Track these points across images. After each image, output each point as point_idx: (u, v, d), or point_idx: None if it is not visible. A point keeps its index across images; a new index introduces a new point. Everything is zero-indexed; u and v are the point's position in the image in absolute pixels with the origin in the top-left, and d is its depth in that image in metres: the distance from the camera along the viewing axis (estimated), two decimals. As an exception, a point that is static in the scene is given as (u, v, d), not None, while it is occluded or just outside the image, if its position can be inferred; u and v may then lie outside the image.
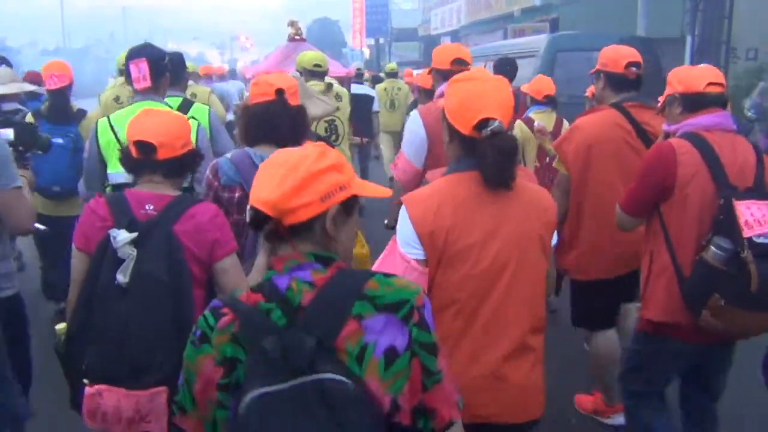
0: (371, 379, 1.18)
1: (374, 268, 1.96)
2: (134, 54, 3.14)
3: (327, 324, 1.18)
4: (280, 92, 2.45)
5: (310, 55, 5.37)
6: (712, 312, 2.30)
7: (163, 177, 2.14)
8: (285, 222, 1.23)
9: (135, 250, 1.92)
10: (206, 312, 1.26)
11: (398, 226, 1.88)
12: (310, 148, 1.29)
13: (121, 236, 1.92)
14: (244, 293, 1.26)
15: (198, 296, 2.04)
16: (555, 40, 5.78)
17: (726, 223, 2.26)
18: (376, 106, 7.93)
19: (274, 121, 2.44)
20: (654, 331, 2.58)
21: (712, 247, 2.28)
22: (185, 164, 2.20)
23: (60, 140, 4.05)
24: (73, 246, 2.12)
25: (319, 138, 3.69)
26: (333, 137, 5.37)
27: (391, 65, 11.31)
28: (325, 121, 5.34)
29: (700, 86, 2.44)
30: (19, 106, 4.36)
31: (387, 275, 1.31)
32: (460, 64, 3.22)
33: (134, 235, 1.93)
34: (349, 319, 1.19)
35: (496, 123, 1.75)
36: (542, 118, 4.78)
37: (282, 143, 2.18)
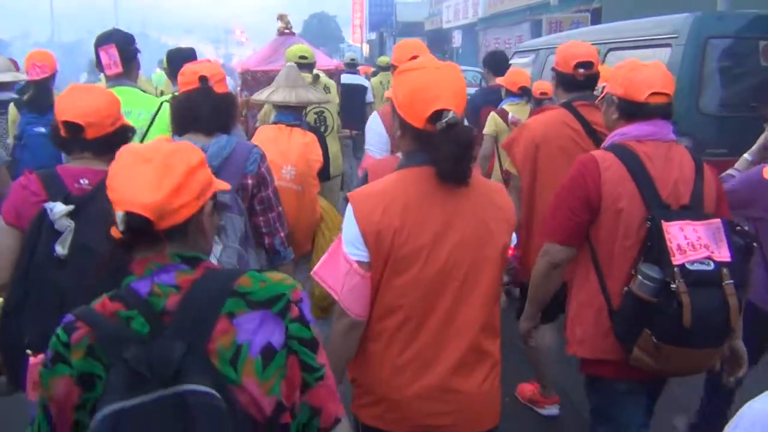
0: (249, 381, 1.16)
1: (316, 269, 1.88)
2: (103, 40, 3.17)
3: (196, 327, 1.15)
4: (203, 80, 2.47)
5: (295, 48, 5.41)
6: (644, 350, 2.06)
7: (93, 155, 2.13)
8: (162, 225, 1.18)
9: (72, 222, 1.95)
10: (58, 329, 1.20)
11: (343, 224, 1.76)
12: (167, 142, 1.28)
13: (58, 208, 1.95)
14: (98, 303, 1.22)
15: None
16: (701, 21, 4.07)
17: (654, 249, 2.03)
18: (369, 97, 7.60)
19: (197, 110, 2.46)
20: (591, 373, 2.33)
21: (640, 277, 2.04)
22: (116, 141, 2.10)
23: (42, 129, 3.91)
24: (2, 223, 2.10)
25: (310, 128, 3.58)
26: (322, 128, 5.28)
27: (384, 58, 10.94)
28: (314, 113, 5.31)
29: (641, 96, 2.16)
30: (15, 96, 4.43)
31: (261, 271, 1.30)
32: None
33: (71, 207, 1.95)
34: (219, 319, 1.17)
35: (451, 114, 1.62)
36: (517, 111, 4.71)
37: (208, 131, 2.44)
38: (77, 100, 2.11)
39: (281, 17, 8.49)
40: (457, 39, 28.48)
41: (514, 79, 4.90)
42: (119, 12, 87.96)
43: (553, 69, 3.11)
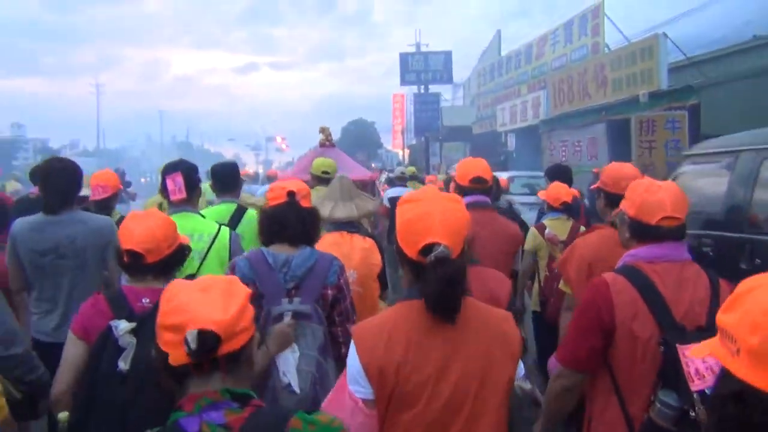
0: None
1: (323, 405, 1.86)
2: (170, 169, 3.40)
3: None
4: (291, 194, 2.69)
5: (318, 162, 5.63)
6: None
7: (153, 277, 2.30)
8: (225, 348, 1.26)
9: (135, 339, 2.05)
10: None
11: (348, 359, 1.76)
12: (221, 276, 1.45)
13: (122, 326, 2.08)
14: None
15: None
16: None
17: (671, 374, 1.94)
18: None
19: (285, 222, 2.64)
20: None
21: (657, 404, 1.96)
22: (173, 262, 2.35)
23: None
24: (70, 333, 2.24)
25: (368, 234, 3.64)
26: None
27: (411, 168, 11.19)
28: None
29: (653, 219, 2.19)
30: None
31: (311, 412, 1.32)
32: (478, 183, 3.35)
33: (133, 324, 2.07)
34: None
35: (441, 248, 1.64)
36: (556, 226, 4.76)
37: (294, 243, 2.64)
38: (135, 228, 2.30)
39: (323, 130, 8.95)
40: (512, 142, 27.15)
41: (556, 194, 4.88)
42: (164, 121, 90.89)
43: (598, 188, 3.15)
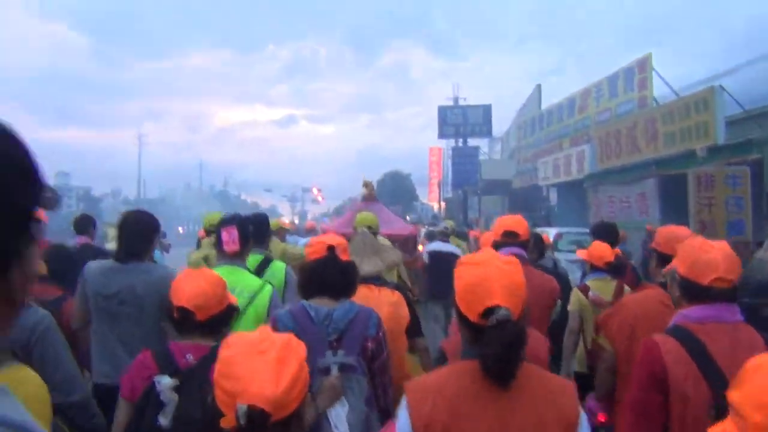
0: None
1: None
2: (227, 222, 3.60)
3: None
4: (331, 249, 2.76)
5: (361, 217, 5.66)
6: None
7: (200, 335, 2.34)
8: (275, 418, 1.28)
9: (176, 395, 2.07)
10: None
11: (398, 413, 1.76)
12: (273, 332, 1.43)
13: (165, 381, 2.10)
14: None
15: None
16: None
17: None
18: None
19: (326, 276, 2.70)
20: None
21: None
22: (221, 321, 2.39)
23: None
24: (119, 397, 2.30)
25: (397, 287, 3.68)
26: None
27: (450, 222, 10.98)
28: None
29: (704, 280, 2.16)
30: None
31: None
32: (509, 236, 3.42)
33: (176, 381, 2.10)
34: None
35: (502, 311, 1.63)
36: (600, 287, 4.65)
37: (335, 295, 2.69)
38: (187, 286, 2.36)
39: (366, 184, 8.88)
40: (553, 197, 26.55)
41: (600, 254, 4.79)
42: (203, 171, 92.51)
43: (653, 248, 3.11)
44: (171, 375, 2.13)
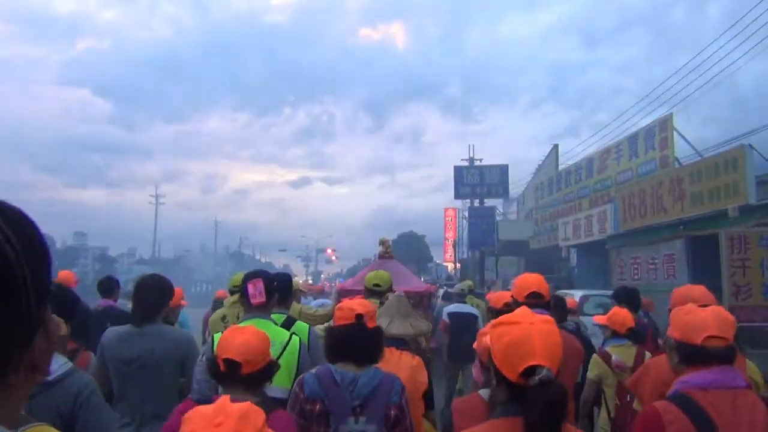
0: None
1: None
2: (252, 276, 3.61)
3: None
4: (359, 317, 2.80)
5: (371, 275, 5.61)
6: None
7: (244, 388, 2.40)
8: None
9: None
10: None
11: None
12: (236, 403, 1.44)
13: None
14: None
15: None
16: None
17: None
18: (481, 326, 7.12)
19: (352, 343, 2.76)
20: None
21: None
22: (265, 375, 2.46)
23: None
24: None
25: (419, 352, 3.73)
26: None
27: (468, 282, 10.87)
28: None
29: (697, 339, 2.19)
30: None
31: None
32: (534, 298, 3.34)
33: None
34: None
35: (545, 371, 1.64)
36: (621, 353, 4.60)
37: (360, 362, 2.74)
38: (235, 339, 2.43)
39: (383, 242, 8.98)
40: (573, 258, 26.03)
41: (622, 320, 4.77)
42: (218, 231, 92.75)
43: (669, 310, 2.98)
44: None
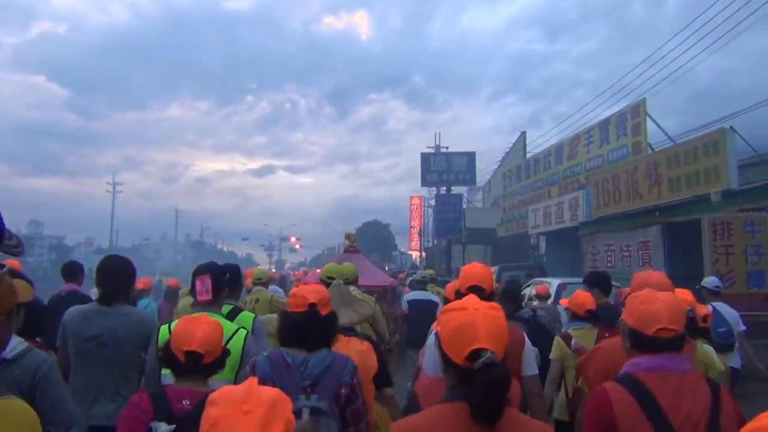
0: None
1: None
2: (200, 271, 3.62)
3: None
4: (312, 306, 2.84)
5: (326, 268, 5.77)
6: None
7: (203, 377, 2.49)
8: None
9: None
10: None
11: None
12: (264, 388, 1.38)
13: (162, 428, 2.20)
14: None
15: None
16: None
17: None
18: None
19: (304, 330, 2.81)
20: None
21: None
22: (220, 363, 2.56)
23: None
24: None
25: (367, 338, 3.80)
26: None
27: (430, 271, 10.91)
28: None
29: (649, 330, 2.27)
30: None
31: None
32: (475, 291, 3.27)
33: (173, 427, 2.19)
34: None
35: (488, 354, 1.71)
36: (581, 335, 4.76)
37: (312, 348, 2.79)
38: (196, 331, 2.48)
39: (348, 236, 9.21)
40: (542, 246, 25.71)
41: (581, 302, 4.93)
42: (179, 220, 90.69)
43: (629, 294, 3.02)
44: (167, 420, 2.22)
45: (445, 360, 1.82)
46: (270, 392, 1.37)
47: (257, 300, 6.53)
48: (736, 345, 6.39)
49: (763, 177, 11.67)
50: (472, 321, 1.77)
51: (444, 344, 1.82)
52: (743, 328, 6.64)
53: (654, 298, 2.33)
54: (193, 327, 2.49)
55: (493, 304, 1.93)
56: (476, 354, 1.70)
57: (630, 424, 2.17)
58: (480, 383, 1.67)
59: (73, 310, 3.73)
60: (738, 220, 10.53)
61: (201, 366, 2.44)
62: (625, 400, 2.20)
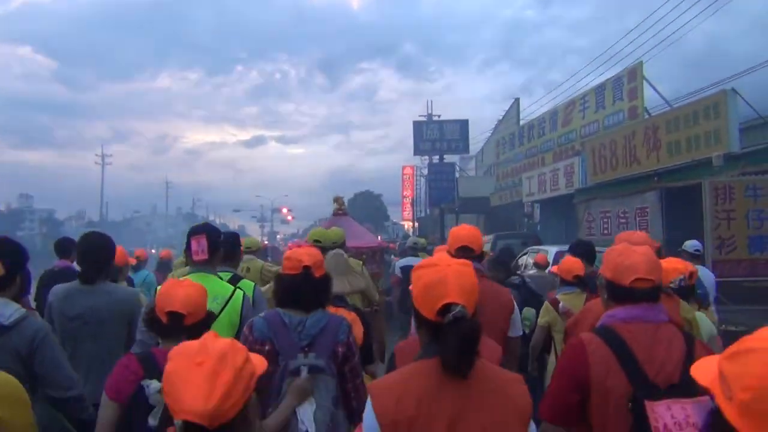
0: None
1: None
2: (197, 231, 3.65)
3: None
4: (306, 268, 2.88)
5: (312, 232, 5.93)
6: None
7: (186, 338, 2.32)
8: (214, 425, 1.31)
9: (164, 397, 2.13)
10: None
11: (364, 415, 1.83)
12: (216, 339, 1.45)
13: (153, 385, 2.27)
14: None
15: None
16: None
17: (641, 430, 2.05)
18: None
19: (299, 292, 2.86)
20: None
21: None
22: (204, 325, 2.51)
23: None
24: (104, 396, 2.42)
25: (355, 309, 3.80)
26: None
27: (421, 240, 11.06)
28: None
29: (626, 281, 2.30)
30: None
31: None
32: (463, 251, 3.42)
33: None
34: None
35: (458, 308, 1.73)
36: (569, 300, 4.79)
37: (307, 309, 2.83)
38: (178, 292, 2.51)
39: (336, 200, 9.20)
40: (537, 214, 25.49)
41: (568, 268, 4.96)
42: (170, 193, 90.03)
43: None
44: (158, 378, 2.22)
45: (418, 317, 1.85)
46: (223, 343, 1.42)
47: (248, 269, 6.42)
48: (712, 308, 6.38)
49: (765, 140, 11.41)
50: (443, 276, 1.79)
51: (416, 301, 1.85)
52: (715, 294, 6.75)
53: (631, 251, 2.36)
54: (175, 289, 2.54)
55: (465, 261, 1.95)
56: (447, 308, 1.73)
57: (603, 373, 2.18)
58: (451, 336, 1.70)
59: (57, 290, 3.75)
60: (740, 183, 10.29)
61: (183, 327, 2.46)
62: (600, 350, 2.22)
